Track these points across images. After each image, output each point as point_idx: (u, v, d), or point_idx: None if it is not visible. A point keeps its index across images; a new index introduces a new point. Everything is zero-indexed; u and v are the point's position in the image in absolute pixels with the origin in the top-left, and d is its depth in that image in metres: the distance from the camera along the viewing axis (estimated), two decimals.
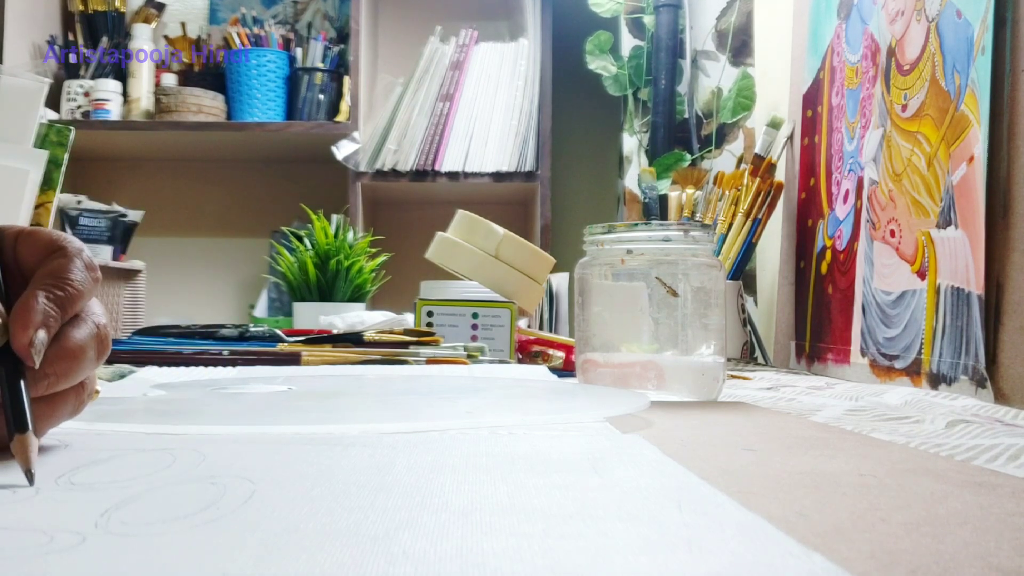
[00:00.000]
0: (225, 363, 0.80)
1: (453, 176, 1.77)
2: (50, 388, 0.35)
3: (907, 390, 0.81)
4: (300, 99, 1.89)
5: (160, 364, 0.79)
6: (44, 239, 0.37)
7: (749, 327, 1.32)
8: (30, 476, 0.31)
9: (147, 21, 1.98)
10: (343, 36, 1.99)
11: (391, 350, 0.85)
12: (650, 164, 1.59)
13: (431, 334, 0.89)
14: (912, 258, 0.88)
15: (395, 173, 1.77)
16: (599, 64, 1.67)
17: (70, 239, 0.38)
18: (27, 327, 0.33)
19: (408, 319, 1.09)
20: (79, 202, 1.45)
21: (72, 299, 0.35)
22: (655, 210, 1.49)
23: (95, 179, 2.06)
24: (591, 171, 2.05)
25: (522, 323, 1.12)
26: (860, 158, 1.04)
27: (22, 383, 0.33)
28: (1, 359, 0.33)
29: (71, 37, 1.96)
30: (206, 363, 0.80)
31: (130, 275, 1.38)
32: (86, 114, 1.86)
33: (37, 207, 1.03)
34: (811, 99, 1.24)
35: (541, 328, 1.45)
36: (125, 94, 1.89)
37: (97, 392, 0.39)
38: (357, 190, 1.77)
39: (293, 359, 0.81)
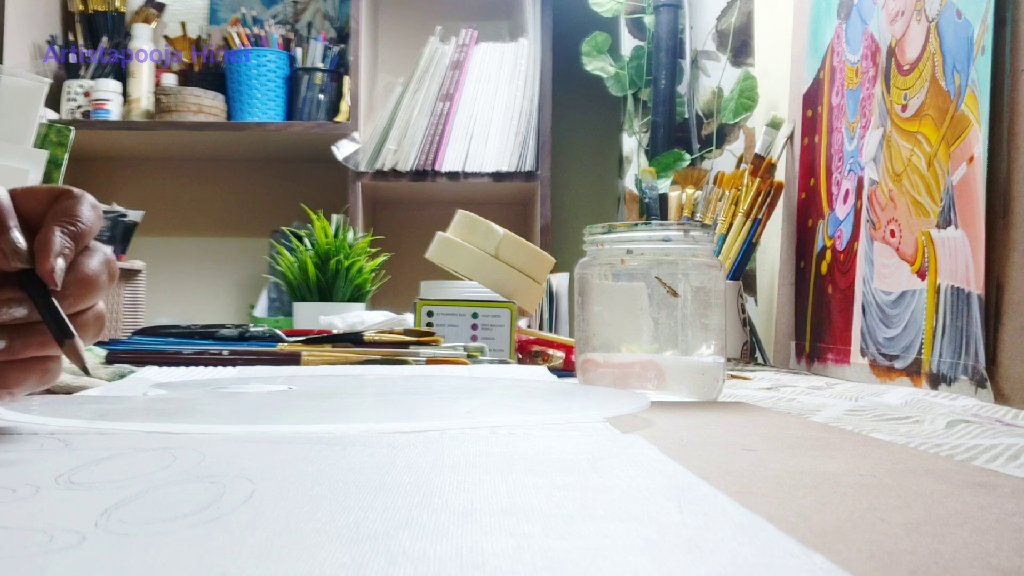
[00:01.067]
0: (225, 363, 0.80)
1: (453, 176, 1.77)
2: (70, 308, 0.40)
3: (907, 390, 0.81)
4: (300, 99, 1.89)
5: (160, 364, 0.79)
6: (43, 189, 0.42)
7: (749, 327, 1.32)
8: (87, 371, 0.39)
9: (147, 21, 1.98)
10: (343, 36, 1.99)
11: (391, 350, 0.85)
12: (650, 164, 1.59)
13: (431, 334, 0.89)
14: (912, 258, 0.88)
15: (395, 173, 1.77)
16: (596, 65, 1.67)
17: (72, 188, 0.43)
18: (48, 256, 0.39)
19: (408, 319, 1.09)
20: None
21: (83, 233, 0.41)
22: (655, 210, 1.49)
23: (95, 179, 2.06)
24: (591, 171, 2.05)
25: (522, 323, 1.12)
26: (860, 158, 1.04)
27: (54, 300, 0.39)
28: (29, 283, 0.39)
29: (71, 37, 1.96)
30: (206, 363, 0.80)
31: (130, 275, 1.38)
32: (86, 114, 1.86)
33: None
34: (811, 99, 1.24)
35: (541, 328, 1.45)
36: (125, 94, 1.89)
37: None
38: (357, 190, 1.77)
39: (293, 359, 0.81)
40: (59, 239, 0.39)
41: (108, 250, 0.43)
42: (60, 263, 0.39)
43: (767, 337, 1.41)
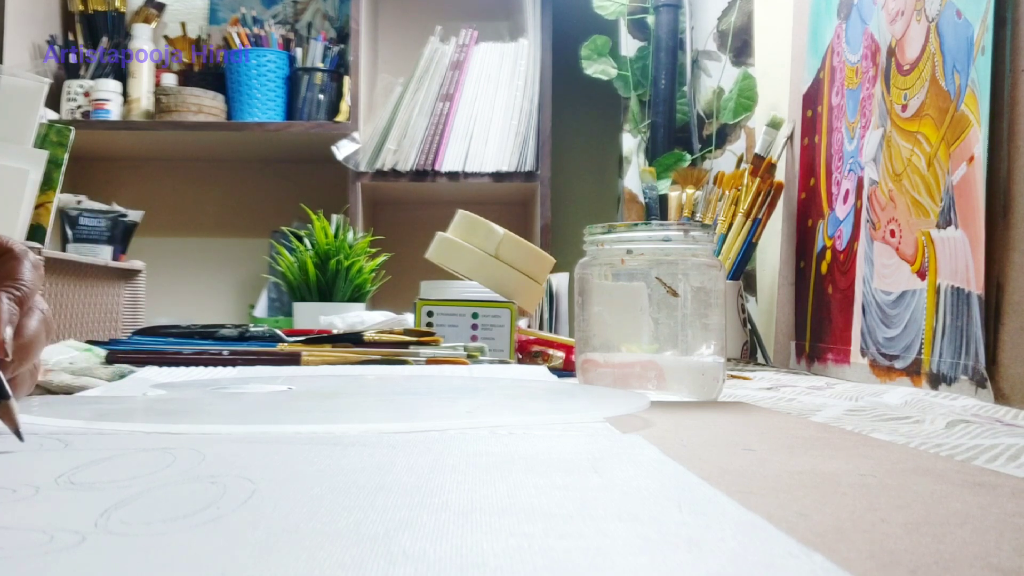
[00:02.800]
0: (225, 363, 0.80)
1: (453, 176, 1.77)
2: (14, 371, 0.41)
3: (907, 390, 0.81)
4: (300, 99, 1.89)
5: (160, 364, 0.79)
6: None
7: (749, 327, 1.32)
8: (19, 434, 0.38)
9: (147, 21, 1.98)
10: (343, 36, 1.99)
11: (391, 350, 0.85)
12: (650, 164, 1.59)
13: (431, 334, 0.89)
14: (912, 258, 0.88)
15: (395, 173, 1.77)
16: (597, 68, 1.66)
17: (13, 240, 0.43)
18: None
19: (408, 319, 1.09)
20: (79, 202, 1.45)
21: (27, 296, 0.41)
22: (655, 210, 1.49)
23: (95, 179, 2.06)
24: (591, 171, 2.05)
25: (522, 323, 1.12)
26: (860, 158, 1.04)
27: None
28: None
29: (71, 37, 1.96)
30: (206, 363, 0.80)
31: (130, 275, 1.38)
32: (86, 114, 1.86)
33: (37, 207, 1.03)
34: (811, 99, 1.24)
35: (541, 328, 1.45)
36: (125, 94, 1.89)
37: (48, 371, 0.44)
38: (357, 190, 1.77)
39: (293, 359, 0.81)
40: (7, 307, 0.39)
41: (45, 306, 0.43)
42: (9, 332, 0.39)
43: (767, 337, 1.41)
